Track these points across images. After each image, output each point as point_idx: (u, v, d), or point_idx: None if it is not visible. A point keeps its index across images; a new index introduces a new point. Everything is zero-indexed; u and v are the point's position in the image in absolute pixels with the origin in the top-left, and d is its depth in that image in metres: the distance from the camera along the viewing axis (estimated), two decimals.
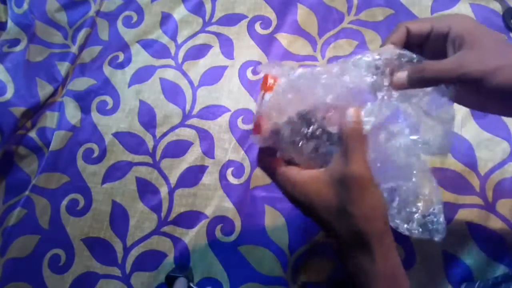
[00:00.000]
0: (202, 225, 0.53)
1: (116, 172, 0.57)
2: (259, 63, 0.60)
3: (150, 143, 0.58)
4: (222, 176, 0.55)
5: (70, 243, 0.54)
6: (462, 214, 0.49)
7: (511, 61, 0.30)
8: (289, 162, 0.34)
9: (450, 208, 0.49)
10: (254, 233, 0.52)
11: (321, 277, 0.49)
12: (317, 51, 0.60)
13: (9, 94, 0.60)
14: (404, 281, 0.32)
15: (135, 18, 0.66)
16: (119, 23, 0.66)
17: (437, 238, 0.34)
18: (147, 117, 0.59)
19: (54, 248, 0.54)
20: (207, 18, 0.65)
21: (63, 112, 0.61)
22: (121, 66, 0.63)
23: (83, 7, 0.68)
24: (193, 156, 0.56)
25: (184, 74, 0.61)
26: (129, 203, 0.55)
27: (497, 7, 0.59)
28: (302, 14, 0.63)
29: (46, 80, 0.63)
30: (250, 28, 0.63)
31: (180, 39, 0.64)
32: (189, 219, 0.54)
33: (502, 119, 0.52)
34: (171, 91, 0.61)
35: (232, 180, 0.55)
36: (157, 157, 0.57)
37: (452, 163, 0.51)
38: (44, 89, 0.62)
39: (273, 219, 0.52)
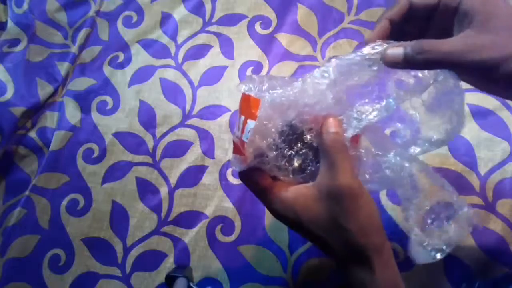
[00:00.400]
0: (202, 225, 0.53)
1: (116, 172, 0.57)
2: (259, 63, 0.60)
3: (150, 143, 0.58)
4: (222, 176, 0.55)
5: (70, 243, 0.54)
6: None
7: None
8: (274, 177, 0.33)
9: None
10: (254, 233, 0.52)
11: (321, 277, 0.49)
12: (317, 51, 0.60)
13: (9, 94, 0.60)
14: None
15: (135, 18, 0.66)
16: (119, 23, 0.66)
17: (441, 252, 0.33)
18: (147, 117, 0.59)
19: (54, 248, 0.54)
20: (207, 18, 0.65)
21: (63, 112, 0.61)
22: (121, 66, 0.63)
23: (83, 7, 0.68)
24: (193, 156, 0.56)
25: (184, 74, 0.61)
26: (129, 203, 0.55)
27: None
28: (302, 14, 0.63)
29: (46, 80, 0.63)
30: (250, 28, 0.63)
31: (180, 39, 0.64)
32: (189, 219, 0.54)
33: (502, 119, 0.52)
34: (171, 91, 0.61)
35: (232, 180, 0.55)
36: (157, 157, 0.57)
37: (452, 163, 0.51)
38: (44, 89, 0.62)
39: (273, 219, 0.52)
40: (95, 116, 0.61)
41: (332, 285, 0.48)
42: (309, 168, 0.32)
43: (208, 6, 0.65)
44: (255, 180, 0.32)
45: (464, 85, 0.32)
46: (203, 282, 0.51)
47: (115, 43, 0.65)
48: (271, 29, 0.63)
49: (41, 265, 0.53)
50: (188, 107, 0.59)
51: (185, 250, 0.52)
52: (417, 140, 0.35)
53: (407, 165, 0.33)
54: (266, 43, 0.62)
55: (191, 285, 0.47)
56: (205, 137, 0.57)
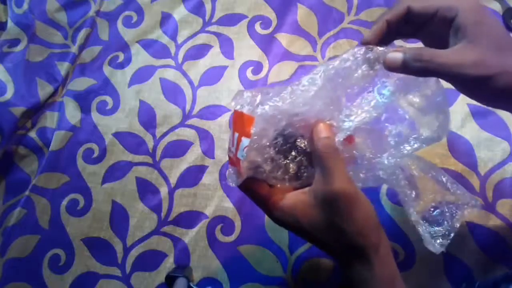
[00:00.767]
0: (202, 225, 0.53)
1: (116, 172, 0.57)
2: (259, 63, 0.60)
3: (150, 143, 0.58)
4: (222, 176, 0.55)
5: (70, 243, 0.54)
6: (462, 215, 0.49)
7: None
8: (270, 184, 0.34)
9: None
10: (254, 233, 0.52)
11: (321, 277, 0.49)
12: (317, 51, 0.60)
13: (9, 94, 0.60)
14: (402, 285, 0.32)
15: (135, 18, 0.66)
16: (119, 23, 0.66)
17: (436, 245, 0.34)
18: (147, 117, 0.59)
19: (54, 248, 0.54)
20: (207, 18, 0.65)
21: (63, 112, 0.61)
22: (121, 66, 0.63)
23: (83, 7, 0.68)
24: (193, 156, 0.56)
25: (184, 74, 0.61)
26: (129, 203, 0.55)
27: (497, 7, 0.59)
28: (302, 14, 0.63)
29: (46, 80, 0.63)
30: (250, 28, 0.63)
31: (180, 39, 0.64)
32: (189, 219, 0.54)
33: (502, 119, 0.52)
34: (171, 91, 0.61)
35: None
36: (157, 157, 0.57)
37: (452, 163, 0.51)
38: (44, 89, 0.62)
39: None
40: (95, 116, 0.61)
41: (332, 285, 0.48)
42: (305, 174, 0.33)
43: (208, 6, 0.65)
44: (253, 190, 0.33)
45: None
46: (203, 282, 0.51)
47: (115, 43, 0.65)
48: (271, 29, 0.63)
49: (41, 265, 0.53)
50: (188, 107, 0.59)
51: (185, 250, 0.52)
52: (409, 138, 0.35)
53: (400, 167, 0.34)
54: (266, 43, 0.62)
55: (191, 285, 0.47)
56: (205, 137, 0.57)
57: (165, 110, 0.59)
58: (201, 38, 0.63)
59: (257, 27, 0.63)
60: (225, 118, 0.58)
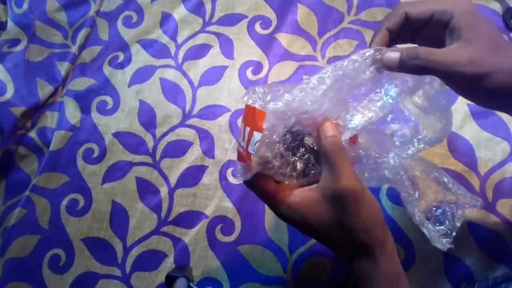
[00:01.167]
0: (202, 225, 0.53)
1: (116, 172, 0.57)
2: (259, 63, 0.60)
3: (150, 143, 0.58)
4: (222, 176, 0.55)
5: (70, 243, 0.54)
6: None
7: (507, 61, 0.29)
8: (277, 180, 0.34)
9: None
10: (254, 233, 0.52)
11: (321, 277, 0.49)
12: (317, 51, 0.60)
13: (9, 94, 0.60)
14: (406, 283, 0.33)
15: (135, 18, 0.66)
16: (119, 23, 0.66)
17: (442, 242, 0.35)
18: (147, 117, 0.59)
19: (54, 248, 0.54)
20: (207, 18, 0.65)
21: (63, 112, 0.61)
22: (121, 66, 0.63)
23: (83, 7, 0.68)
24: (193, 156, 0.56)
25: (184, 74, 0.61)
26: (129, 203, 0.55)
27: (497, 7, 0.59)
28: (302, 14, 0.63)
29: (46, 80, 0.63)
30: (250, 28, 0.63)
31: (180, 39, 0.64)
32: (189, 219, 0.54)
33: (502, 119, 0.52)
34: (171, 91, 0.61)
35: (232, 180, 0.55)
36: (157, 157, 0.57)
37: (452, 163, 0.51)
38: (44, 89, 0.62)
39: (273, 219, 0.52)
40: (95, 116, 0.61)
41: (332, 285, 0.48)
42: (312, 172, 0.34)
43: (208, 6, 0.65)
44: (260, 187, 0.33)
45: None
46: (203, 282, 0.51)
47: (115, 43, 0.65)
48: (271, 29, 0.63)
49: (41, 265, 0.53)
50: (188, 107, 0.59)
51: (185, 250, 0.52)
52: (413, 139, 0.36)
53: (404, 167, 0.35)
54: (266, 43, 0.62)
55: (191, 285, 0.47)
56: (205, 137, 0.57)
57: (165, 110, 0.59)
58: (201, 38, 0.63)
59: (257, 27, 0.63)
60: (225, 118, 0.58)
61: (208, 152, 0.57)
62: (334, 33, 0.61)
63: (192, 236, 0.53)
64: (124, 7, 0.67)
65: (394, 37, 0.34)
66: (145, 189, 0.56)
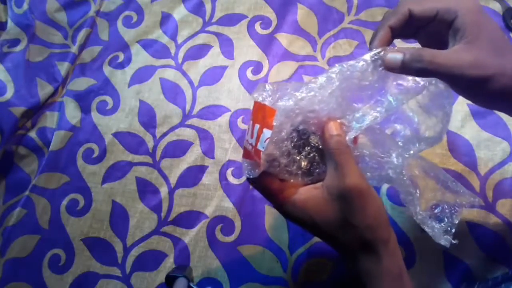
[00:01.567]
0: (202, 225, 0.53)
1: (116, 172, 0.57)
2: (259, 63, 0.60)
3: (150, 143, 0.58)
4: (222, 176, 0.55)
5: (70, 243, 0.54)
6: (462, 214, 0.49)
7: (511, 64, 0.29)
8: (282, 179, 0.34)
9: None
10: (254, 233, 0.52)
11: (321, 277, 0.49)
12: (317, 51, 0.60)
13: (9, 94, 0.60)
14: (409, 281, 0.33)
15: (135, 18, 0.66)
16: (119, 23, 0.66)
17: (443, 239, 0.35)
18: (147, 117, 0.59)
19: (54, 248, 0.54)
20: (207, 18, 0.65)
21: (63, 112, 0.61)
22: (121, 66, 0.63)
23: (83, 7, 0.68)
24: (193, 156, 0.56)
25: (184, 74, 0.61)
26: (129, 203, 0.55)
27: (497, 7, 0.59)
28: (302, 14, 0.63)
29: (46, 80, 0.63)
30: (250, 28, 0.63)
31: (180, 39, 0.64)
32: (189, 219, 0.54)
33: (502, 119, 0.52)
34: (171, 91, 0.61)
35: (232, 180, 0.55)
36: (157, 157, 0.57)
37: (452, 163, 0.51)
38: (44, 89, 0.62)
39: (273, 219, 0.52)
40: (95, 116, 0.61)
41: (332, 285, 0.48)
42: (316, 171, 0.34)
43: (208, 6, 0.65)
44: (265, 185, 0.33)
45: None
46: (203, 282, 0.51)
47: (115, 43, 0.65)
48: (271, 29, 0.63)
49: (41, 265, 0.53)
50: (188, 107, 0.59)
51: (185, 250, 0.52)
52: (415, 139, 0.36)
53: (407, 166, 0.35)
54: (266, 43, 0.62)
55: (191, 285, 0.47)
56: (205, 137, 0.57)
57: (165, 110, 0.59)
58: (201, 38, 0.63)
59: (257, 27, 0.63)
60: (225, 118, 0.58)
61: (208, 152, 0.57)
62: (334, 33, 0.61)
63: (192, 236, 0.53)
64: (124, 7, 0.67)
65: (396, 35, 0.34)
66: (145, 189, 0.56)
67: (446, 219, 0.36)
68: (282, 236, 0.51)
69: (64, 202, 0.56)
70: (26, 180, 0.58)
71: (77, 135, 0.60)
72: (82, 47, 0.65)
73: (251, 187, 0.54)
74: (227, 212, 0.53)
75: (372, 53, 0.31)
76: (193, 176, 0.56)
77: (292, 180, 0.34)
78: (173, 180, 0.56)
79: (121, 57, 0.64)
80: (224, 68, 0.61)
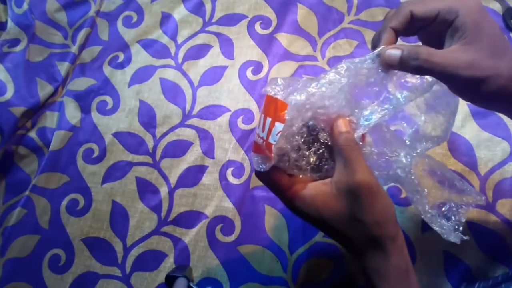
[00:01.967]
0: (202, 225, 0.53)
1: (116, 172, 0.57)
2: (259, 63, 0.60)
3: (150, 143, 0.58)
4: (222, 176, 0.55)
5: (70, 243, 0.54)
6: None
7: (506, 66, 0.29)
8: (290, 174, 0.34)
9: None
10: (254, 233, 0.52)
11: (321, 277, 0.49)
12: (317, 51, 0.60)
13: (9, 94, 0.60)
14: (415, 278, 0.33)
15: (135, 18, 0.66)
16: (119, 23, 0.66)
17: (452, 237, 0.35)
18: (147, 117, 0.59)
19: (54, 248, 0.54)
20: (207, 18, 0.65)
21: (63, 112, 0.61)
22: (121, 66, 0.63)
23: (83, 7, 0.68)
24: (193, 156, 0.56)
25: (184, 74, 0.61)
26: (129, 203, 0.55)
27: (497, 7, 0.59)
28: (302, 14, 0.63)
29: (46, 80, 0.63)
30: (250, 28, 0.63)
31: (180, 39, 0.64)
32: (189, 219, 0.54)
33: (502, 119, 0.52)
34: (171, 91, 0.61)
35: (232, 180, 0.55)
36: (157, 157, 0.57)
37: (452, 163, 0.51)
38: (44, 89, 0.62)
39: (273, 219, 0.52)
40: (95, 116, 0.61)
41: (332, 285, 0.48)
42: (325, 167, 0.34)
43: (208, 6, 0.65)
44: (274, 179, 0.34)
45: None
46: (203, 282, 0.51)
47: (115, 43, 0.65)
48: (271, 29, 0.63)
49: (41, 265, 0.53)
50: (188, 107, 0.59)
51: (185, 250, 0.52)
52: (422, 138, 0.36)
53: (415, 165, 0.35)
54: (266, 43, 0.62)
55: (191, 285, 0.47)
56: (205, 137, 0.57)
57: (165, 110, 0.59)
58: (201, 38, 0.63)
59: (257, 27, 0.63)
60: (225, 118, 0.58)
61: (208, 152, 0.57)
62: (334, 33, 0.61)
63: (192, 236, 0.53)
64: (124, 7, 0.67)
65: (399, 36, 0.34)
66: (145, 189, 0.56)
67: (453, 217, 0.36)
68: (282, 236, 0.51)
69: (64, 202, 0.56)
70: (26, 180, 0.58)
71: (77, 135, 0.60)
72: (82, 47, 0.65)
73: (251, 186, 0.54)
74: (227, 212, 0.53)
75: (376, 51, 0.31)
76: (193, 176, 0.56)
77: (301, 176, 0.34)
78: (173, 180, 0.56)
79: (121, 57, 0.64)
80: (224, 68, 0.61)
